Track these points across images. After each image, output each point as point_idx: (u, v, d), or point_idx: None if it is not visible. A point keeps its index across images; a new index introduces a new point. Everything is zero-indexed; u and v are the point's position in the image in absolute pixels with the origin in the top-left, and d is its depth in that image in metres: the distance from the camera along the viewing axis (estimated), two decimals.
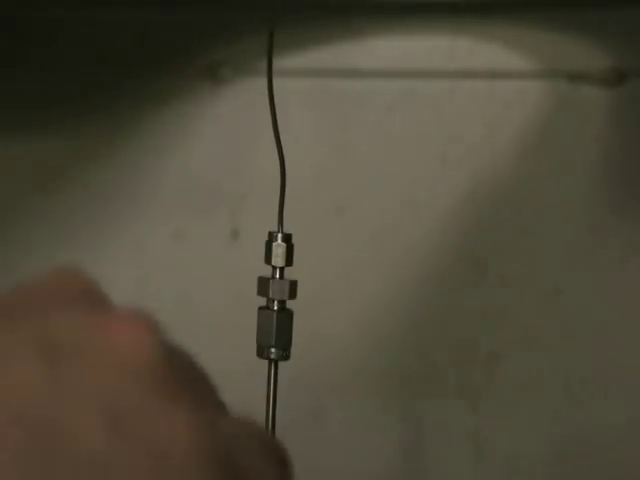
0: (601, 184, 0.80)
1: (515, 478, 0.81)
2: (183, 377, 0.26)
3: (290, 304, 0.44)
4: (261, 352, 0.43)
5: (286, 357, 0.44)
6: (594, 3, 0.76)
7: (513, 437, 0.81)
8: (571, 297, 0.80)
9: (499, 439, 0.81)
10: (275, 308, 0.43)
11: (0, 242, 0.87)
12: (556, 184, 0.80)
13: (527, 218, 0.80)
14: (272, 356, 0.43)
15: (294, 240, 0.44)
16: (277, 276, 0.43)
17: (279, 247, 0.43)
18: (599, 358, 0.79)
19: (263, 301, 0.44)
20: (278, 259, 0.42)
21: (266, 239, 0.43)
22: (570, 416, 0.80)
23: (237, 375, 0.82)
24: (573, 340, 0.80)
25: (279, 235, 0.43)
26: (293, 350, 0.46)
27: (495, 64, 0.80)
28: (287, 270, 0.43)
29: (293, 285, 0.43)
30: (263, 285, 0.43)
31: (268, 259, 0.43)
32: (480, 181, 0.80)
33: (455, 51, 0.80)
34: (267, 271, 0.43)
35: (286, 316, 0.43)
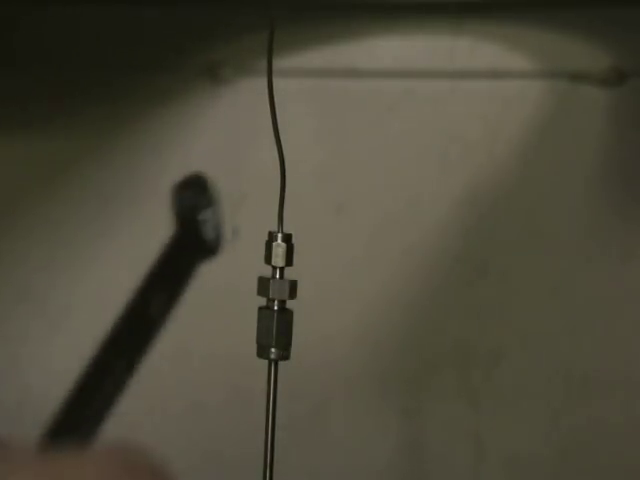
0: (601, 183, 0.80)
1: (515, 478, 0.81)
2: None
3: (290, 304, 0.44)
4: (261, 352, 0.43)
5: (286, 357, 0.44)
6: (594, 3, 0.76)
7: (513, 437, 0.81)
8: (571, 297, 0.80)
9: (499, 439, 0.81)
10: (275, 308, 0.43)
11: (0, 241, 0.87)
12: (556, 183, 0.80)
13: (527, 218, 0.80)
14: (272, 356, 0.43)
15: (294, 240, 0.44)
16: (277, 276, 0.43)
17: (279, 247, 0.43)
18: (599, 357, 0.79)
19: (263, 301, 0.44)
20: (278, 259, 0.42)
21: (266, 239, 0.43)
22: (570, 416, 0.80)
23: (237, 375, 0.82)
24: (573, 340, 0.80)
25: (279, 235, 0.43)
26: (293, 350, 0.46)
27: (496, 64, 0.80)
28: (287, 270, 0.43)
29: (293, 285, 0.43)
30: (263, 285, 0.43)
31: (268, 259, 0.43)
32: (480, 181, 0.80)
33: (455, 51, 0.80)
34: (267, 271, 0.43)
35: (286, 316, 0.43)
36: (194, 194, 0.42)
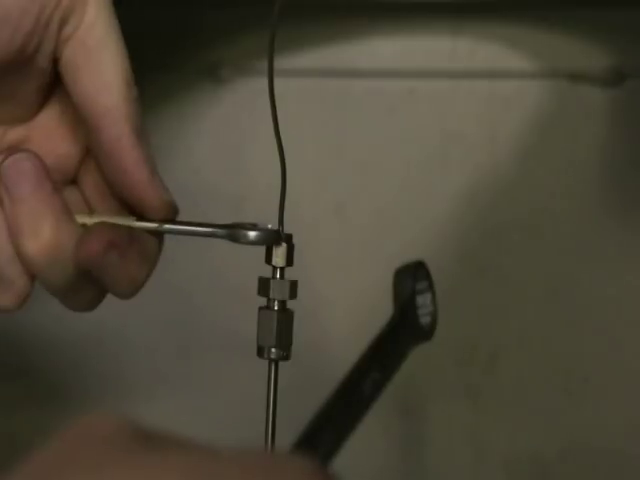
0: (600, 183, 0.80)
1: (515, 478, 0.81)
2: None
3: (289, 304, 0.44)
4: (261, 352, 0.43)
5: (286, 357, 0.44)
6: (594, 3, 0.76)
7: (513, 437, 0.81)
8: (571, 297, 0.80)
9: (499, 439, 0.81)
10: (276, 308, 0.43)
11: None
12: (556, 184, 0.80)
13: (527, 218, 0.80)
14: (272, 356, 0.43)
15: (293, 240, 0.44)
16: (277, 276, 0.43)
17: (279, 247, 0.43)
18: (599, 358, 0.79)
19: (263, 301, 0.44)
20: (278, 259, 0.42)
21: None
22: (570, 416, 0.80)
23: (237, 375, 0.82)
24: (573, 340, 0.80)
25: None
26: (293, 350, 0.46)
27: (495, 64, 0.80)
28: (287, 270, 0.43)
29: (293, 285, 0.43)
30: (263, 285, 0.43)
31: (268, 259, 0.43)
32: (480, 181, 0.80)
33: (455, 51, 0.80)
34: (267, 271, 0.43)
35: (287, 316, 0.43)
36: (414, 280, 0.46)
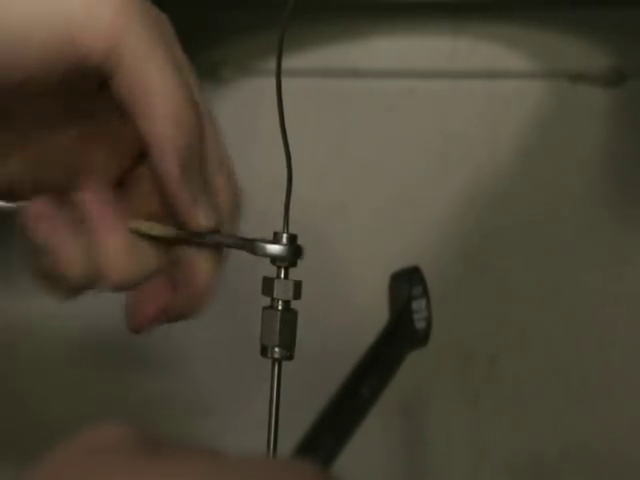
0: (600, 183, 0.80)
1: (515, 478, 0.81)
2: None
3: (293, 303, 0.44)
4: (265, 352, 0.43)
5: (290, 357, 0.44)
6: (594, 3, 0.76)
7: (513, 437, 0.81)
8: (571, 297, 0.80)
9: (499, 439, 0.81)
10: (279, 308, 0.43)
11: (0, 242, 0.87)
12: (556, 184, 0.80)
13: (527, 218, 0.80)
14: (276, 356, 0.43)
15: None
16: (282, 276, 0.43)
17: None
18: (599, 358, 0.79)
19: (266, 301, 0.44)
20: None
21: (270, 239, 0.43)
22: (570, 416, 0.80)
23: (240, 375, 0.82)
24: (573, 340, 0.80)
25: (284, 235, 0.43)
26: (295, 350, 0.46)
27: (495, 64, 0.80)
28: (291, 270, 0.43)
29: (298, 286, 0.43)
30: (268, 285, 0.43)
31: (273, 259, 0.43)
32: (480, 181, 0.80)
33: (455, 51, 0.80)
34: (272, 271, 0.43)
35: (290, 316, 0.43)
36: (409, 285, 0.47)
